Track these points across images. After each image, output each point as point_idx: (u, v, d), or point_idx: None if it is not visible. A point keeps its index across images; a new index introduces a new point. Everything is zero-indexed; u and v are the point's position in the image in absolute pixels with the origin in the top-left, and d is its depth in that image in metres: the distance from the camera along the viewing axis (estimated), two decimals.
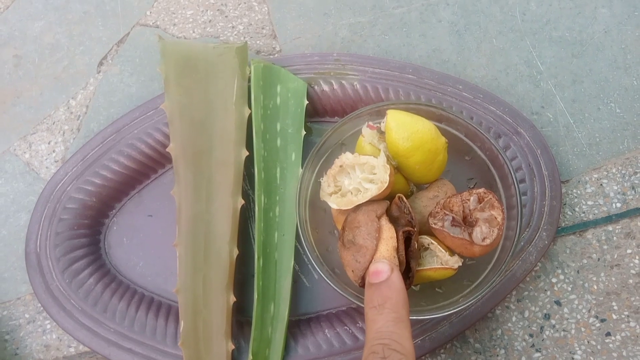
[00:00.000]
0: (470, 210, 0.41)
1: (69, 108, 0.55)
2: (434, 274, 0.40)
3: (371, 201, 0.40)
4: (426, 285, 0.45)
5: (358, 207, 0.40)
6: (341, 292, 0.41)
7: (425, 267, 0.40)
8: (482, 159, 0.46)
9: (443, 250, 0.40)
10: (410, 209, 0.40)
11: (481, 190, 0.41)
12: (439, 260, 0.40)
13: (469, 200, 0.41)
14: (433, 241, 0.40)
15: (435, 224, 0.40)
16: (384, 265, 0.37)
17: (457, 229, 0.39)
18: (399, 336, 0.34)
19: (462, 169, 0.47)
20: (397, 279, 0.37)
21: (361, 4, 0.58)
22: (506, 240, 0.42)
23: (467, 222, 0.41)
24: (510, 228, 0.42)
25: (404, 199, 0.41)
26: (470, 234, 0.39)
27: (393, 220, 0.41)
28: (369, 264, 0.38)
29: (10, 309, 0.50)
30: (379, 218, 0.40)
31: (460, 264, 0.40)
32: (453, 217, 0.39)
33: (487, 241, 0.38)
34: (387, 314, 0.35)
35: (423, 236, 0.41)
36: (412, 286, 0.42)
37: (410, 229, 0.40)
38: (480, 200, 0.41)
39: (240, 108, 0.48)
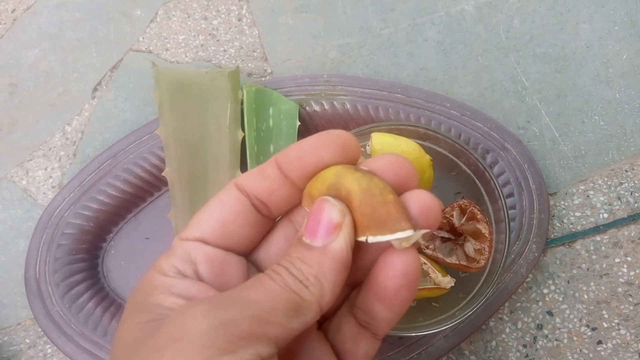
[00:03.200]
0: (456, 226, 0.42)
1: (65, 134, 0.56)
2: (427, 293, 0.41)
3: None
4: (422, 300, 0.46)
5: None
6: None
7: (420, 288, 0.41)
8: (468, 173, 0.47)
9: (436, 272, 0.41)
10: None
11: (461, 201, 0.42)
12: (432, 281, 0.41)
13: (452, 215, 0.42)
14: (426, 261, 0.41)
15: (427, 247, 0.41)
16: (333, 212, 0.23)
17: (449, 245, 0.41)
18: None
19: (449, 184, 0.49)
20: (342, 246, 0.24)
21: (349, 26, 0.59)
22: (496, 253, 0.43)
23: (456, 233, 0.42)
24: (499, 241, 0.43)
25: None
26: (462, 247, 0.41)
27: None
28: None
29: (11, 335, 0.51)
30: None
31: (453, 284, 0.41)
32: (442, 237, 0.41)
33: (482, 261, 0.40)
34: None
35: None
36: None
37: None
38: (462, 211, 0.42)
39: (233, 131, 0.49)
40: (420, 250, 0.43)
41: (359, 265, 0.25)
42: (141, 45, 0.59)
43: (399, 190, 0.23)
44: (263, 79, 0.58)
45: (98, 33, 0.60)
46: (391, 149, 0.42)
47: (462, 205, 0.42)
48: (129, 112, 0.57)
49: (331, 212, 0.22)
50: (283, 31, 0.60)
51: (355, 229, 0.23)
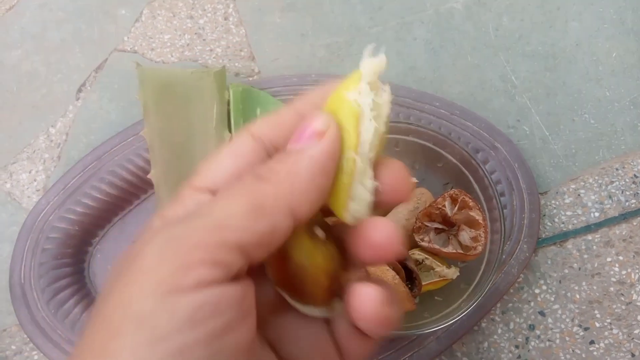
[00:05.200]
0: (449, 216, 0.42)
1: (49, 136, 0.55)
2: (433, 286, 0.41)
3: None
4: (425, 295, 0.45)
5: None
6: None
7: (426, 283, 0.41)
8: (454, 163, 0.47)
9: (439, 264, 0.41)
10: None
11: (452, 191, 0.42)
12: (437, 274, 0.41)
13: (444, 205, 0.42)
14: (427, 256, 0.41)
15: (422, 240, 0.40)
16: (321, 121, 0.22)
17: (444, 236, 0.40)
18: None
19: (437, 175, 0.48)
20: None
21: (337, 24, 0.59)
22: (492, 244, 0.43)
23: (449, 224, 0.41)
24: (494, 231, 0.42)
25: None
26: (457, 237, 0.40)
27: None
28: None
29: None
30: None
31: (459, 273, 0.41)
32: (435, 228, 0.40)
33: (480, 248, 0.39)
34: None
35: (416, 252, 0.42)
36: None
37: None
38: (454, 201, 0.42)
39: (220, 132, 0.49)
40: (417, 244, 0.42)
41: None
42: (126, 45, 0.58)
43: None
44: (250, 78, 0.57)
45: (82, 33, 0.59)
46: None
47: (453, 195, 0.42)
48: (114, 114, 0.56)
49: (317, 121, 0.21)
50: (270, 30, 0.59)
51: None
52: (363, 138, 0.21)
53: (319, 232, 0.23)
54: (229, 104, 0.50)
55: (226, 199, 0.20)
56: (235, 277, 0.19)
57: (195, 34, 0.59)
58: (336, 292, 0.22)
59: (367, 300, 0.21)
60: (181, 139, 0.48)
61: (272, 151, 0.22)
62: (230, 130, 0.49)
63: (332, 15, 0.59)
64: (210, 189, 0.22)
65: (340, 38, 0.58)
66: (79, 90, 0.57)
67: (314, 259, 0.22)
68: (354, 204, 0.22)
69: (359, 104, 0.21)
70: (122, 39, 0.59)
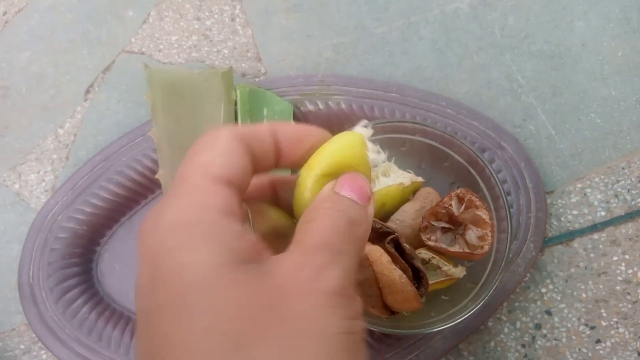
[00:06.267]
0: (456, 215, 0.42)
1: (57, 137, 0.56)
2: (440, 285, 0.41)
3: None
4: (431, 295, 0.46)
5: None
6: None
7: (433, 282, 0.41)
8: (461, 163, 0.47)
9: (446, 263, 0.41)
10: (381, 222, 0.41)
11: (458, 190, 0.42)
12: (444, 273, 0.41)
13: (450, 205, 0.42)
14: (434, 255, 0.41)
15: (429, 239, 0.41)
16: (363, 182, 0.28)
17: (450, 235, 0.40)
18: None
19: (443, 175, 0.48)
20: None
21: (343, 25, 0.59)
22: (499, 244, 0.43)
23: (455, 223, 0.42)
24: (501, 230, 0.42)
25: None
26: (463, 236, 0.40)
27: (374, 240, 0.42)
28: (380, 291, 0.39)
29: (5, 340, 0.50)
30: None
31: (465, 273, 0.41)
32: (442, 227, 0.41)
33: (486, 247, 0.39)
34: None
35: (423, 251, 0.42)
36: None
37: (392, 235, 0.40)
38: (460, 200, 0.42)
39: None
40: (423, 244, 0.42)
41: None
42: (133, 47, 0.59)
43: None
44: (257, 79, 0.57)
45: (90, 35, 0.60)
46: None
47: (460, 194, 0.42)
48: (122, 114, 0.56)
49: (366, 186, 0.26)
50: (277, 31, 0.59)
51: None
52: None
53: None
54: (235, 104, 0.50)
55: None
56: None
57: (202, 35, 0.59)
58: None
59: None
60: (189, 139, 0.49)
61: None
62: None
63: (338, 15, 0.59)
64: (230, 181, 0.24)
65: (346, 38, 0.58)
66: (87, 92, 0.57)
67: None
68: None
69: (372, 160, 0.28)
70: (130, 41, 0.59)
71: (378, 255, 0.40)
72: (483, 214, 0.40)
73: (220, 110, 0.49)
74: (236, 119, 0.50)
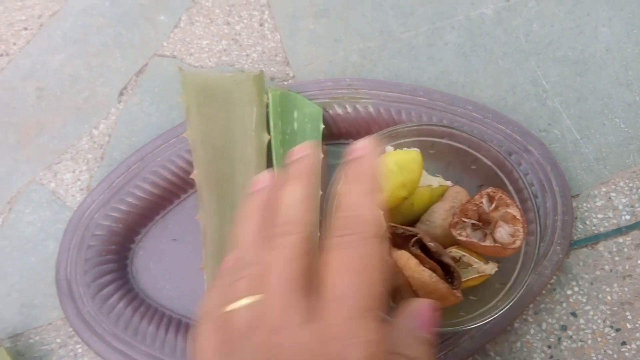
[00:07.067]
0: (486, 212, 0.42)
1: (92, 137, 0.57)
2: (473, 282, 0.42)
3: None
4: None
5: None
6: None
7: (464, 279, 0.42)
8: (489, 165, 0.48)
9: (477, 260, 0.42)
10: (402, 227, 0.42)
11: (489, 189, 0.43)
12: (475, 270, 0.42)
13: (481, 203, 0.43)
14: (464, 253, 0.42)
15: (460, 235, 0.41)
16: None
17: (479, 233, 0.41)
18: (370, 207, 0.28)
19: (471, 177, 0.49)
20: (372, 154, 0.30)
21: (369, 30, 0.60)
22: (530, 236, 0.43)
23: (485, 222, 0.42)
24: (530, 232, 0.43)
25: (392, 225, 0.43)
26: (492, 235, 0.41)
27: (400, 245, 0.43)
28: (415, 294, 0.40)
29: (42, 335, 0.51)
30: (389, 256, 0.41)
31: (497, 269, 0.42)
32: (472, 223, 0.41)
33: (518, 242, 0.40)
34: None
35: (453, 250, 0.43)
36: None
37: (415, 236, 0.41)
38: (491, 199, 0.43)
39: (259, 134, 0.50)
40: (454, 242, 0.43)
41: None
42: (165, 51, 0.60)
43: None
44: (285, 82, 0.58)
45: (122, 38, 0.61)
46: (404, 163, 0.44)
47: (491, 193, 0.43)
48: (155, 116, 0.57)
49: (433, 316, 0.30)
50: (304, 36, 0.60)
51: None
52: None
53: None
54: (267, 107, 0.51)
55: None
56: None
57: (232, 39, 0.61)
58: None
59: None
60: (222, 140, 0.50)
61: None
62: (268, 133, 0.50)
63: (364, 20, 0.61)
64: None
65: (373, 43, 0.60)
66: (121, 94, 0.59)
67: None
68: None
69: None
70: (162, 44, 0.61)
71: (405, 259, 0.41)
72: (514, 211, 0.41)
73: (253, 112, 0.51)
74: (268, 122, 0.51)
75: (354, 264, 0.26)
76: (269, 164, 0.50)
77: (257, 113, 0.51)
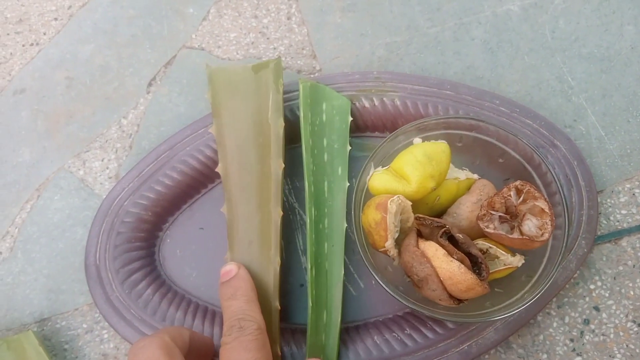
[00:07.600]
0: (514, 205, 0.43)
1: (121, 127, 0.58)
2: (500, 274, 0.42)
3: (401, 240, 0.44)
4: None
5: (400, 253, 0.43)
6: (393, 295, 0.43)
7: (492, 271, 0.42)
8: (517, 159, 0.48)
9: (504, 253, 0.42)
10: (430, 218, 0.43)
11: (517, 182, 0.43)
12: (502, 262, 0.42)
13: (510, 195, 0.43)
14: (491, 245, 0.42)
15: (487, 227, 0.42)
16: (230, 266, 0.45)
17: (507, 226, 0.42)
18: (251, 311, 0.42)
19: (497, 171, 0.49)
20: (243, 273, 0.45)
21: (396, 25, 0.61)
22: (557, 230, 0.44)
23: (512, 215, 0.43)
24: (558, 220, 0.43)
25: (420, 216, 0.43)
26: (520, 228, 0.42)
27: (428, 236, 0.43)
28: (443, 284, 0.40)
29: (69, 320, 0.52)
30: (417, 246, 0.42)
31: (524, 261, 0.42)
32: (500, 215, 0.42)
33: (546, 235, 0.41)
34: (240, 298, 0.43)
35: (480, 242, 0.43)
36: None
37: (444, 228, 0.42)
38: (519, 192, 0.43)
39: (275, 121, 0.50)
40: (481, 235, 0.44)
41: None
42: (194, 43, 0.61)
43: None
44: (312, 75, 0.59)
45: (152, 30, 0.62)
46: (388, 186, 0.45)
47: (519, 186, 0.43)
48: (183, 107, 0.58)
49: None
50: (331, 30, 0.61)
51: None
52: None
53: None
54: (284, 94, 0.52)
55: (239, 300, 0.44)
56: None
57: (260, 32, 0.61)
58: None
59: None
60: (243, 132, 0.50)
61: None
62: (284, 120, 0.50)
63: (391, 15, 0.61)
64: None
65: (399, 38, 0.60)
66: (150, 84, 0.60)
67: None
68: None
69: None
70: (190, 37, 0.61)
71: (433, 250, 0.41)
72: (542, 204, 0.42)
73: (269, 100, 0.51)
74: (284, 109, 0.51)
75: (245, 348, 0.39)
76: (288, 152, 0.51)
77: (273, 100, 0.51)
